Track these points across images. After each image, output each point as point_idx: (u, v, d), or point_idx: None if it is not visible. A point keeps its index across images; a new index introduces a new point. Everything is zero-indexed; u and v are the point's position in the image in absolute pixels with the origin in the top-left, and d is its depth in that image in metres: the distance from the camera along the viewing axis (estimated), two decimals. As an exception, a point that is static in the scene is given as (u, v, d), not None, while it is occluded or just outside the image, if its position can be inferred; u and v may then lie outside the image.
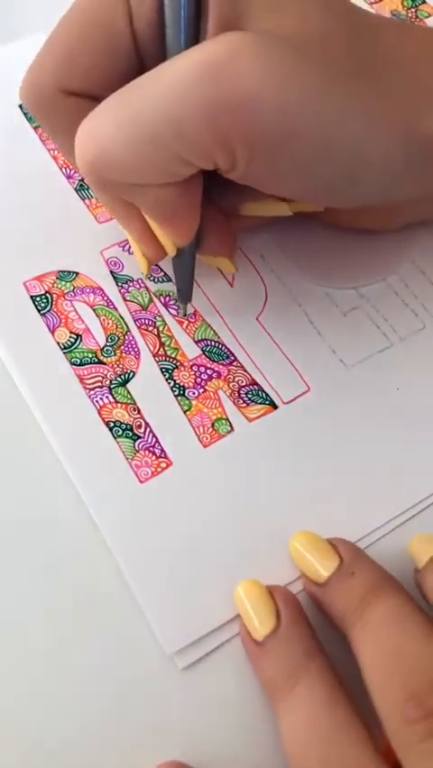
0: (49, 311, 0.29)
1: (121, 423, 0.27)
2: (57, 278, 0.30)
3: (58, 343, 0.28)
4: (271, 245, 0.31)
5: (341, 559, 0.23)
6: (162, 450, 0.26)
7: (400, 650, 0.20)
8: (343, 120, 0.21)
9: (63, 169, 0.32)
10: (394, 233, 0.31)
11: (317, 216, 0.29)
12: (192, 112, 0.20)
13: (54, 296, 0.29)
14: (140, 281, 0.30)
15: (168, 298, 0.30)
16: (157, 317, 0.29)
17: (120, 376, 0.28)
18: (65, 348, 0.28)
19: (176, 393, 0.28)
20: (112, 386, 0.27)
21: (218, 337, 0.29)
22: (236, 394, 0.28)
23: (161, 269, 0.30)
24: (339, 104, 0.21)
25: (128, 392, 0.27)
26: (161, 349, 0.28)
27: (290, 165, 0.22)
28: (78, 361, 0.28)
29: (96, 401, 0.27)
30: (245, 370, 0.28)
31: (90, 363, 0.28)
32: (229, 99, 0.20)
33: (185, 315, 0.29)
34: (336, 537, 0.24)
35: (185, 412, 0.27)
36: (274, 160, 0.22)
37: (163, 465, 0.26)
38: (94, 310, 0.29)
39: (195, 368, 0.28)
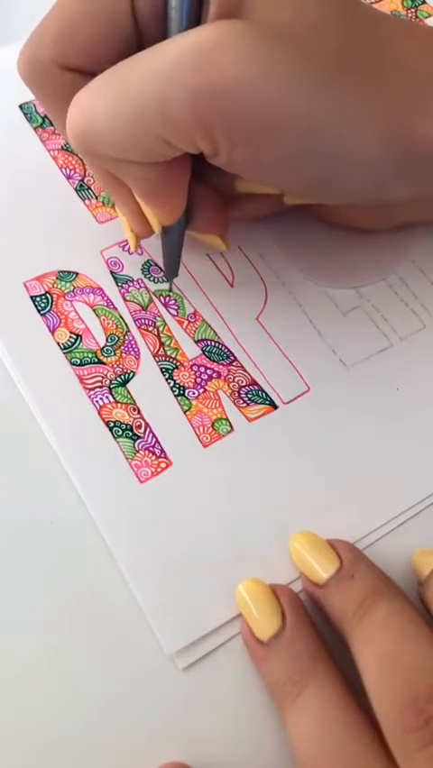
0: (49, 311, 0.29)
1: (121, 423, 0.27)
2: (57, 278, 0.30)
3: (58, 344, 0.28)
4: (271, 245, 0.31)
5: (341, 561, 0.23)
6: (162, 450, 0.26)
7: (399, 655, 0.20)
8: (329, 117, 0.21)
9: (63, 169, 0.32)
10: (394, 233, 0.31)
11: (310, 210, 0.29)
12: (176, 95, 0.20)
13: (54, 296, 0.29)
14: (140, 281, 0.30)
15: (168, 298, 0.30)
16: (157, 317, 0.29)
17: (120, 376, 0.28)
18: (65, 348, 0.28)
19: (176, 393, 0.28)
20: (112, 386, 0.27)
21: (218, 337, 0.29)
22: (236, 394, 0.28)
23: (161, 269, 0.30)
24: (326, 100, 0.21)
25: (128, 392, 0.27)
26: (161, 349, 0.28)
27: (273, 157, 0.22)
28: (78, 361, 0.28)
29: (96, 401, 0.27)
30: (245, 370, 0.28)
31: (90, 363, 0.28)
32: (211, 87, 0.20)
33: (170, 291, 0.29)
34: (336, 539, 0.24)
35: (185, 412, 0.27)
36: (257, 150, 0.22)
37: (163, 465, 0.26)
38: (94, 310, 0.29)
39: (195, 368, 0.28)
